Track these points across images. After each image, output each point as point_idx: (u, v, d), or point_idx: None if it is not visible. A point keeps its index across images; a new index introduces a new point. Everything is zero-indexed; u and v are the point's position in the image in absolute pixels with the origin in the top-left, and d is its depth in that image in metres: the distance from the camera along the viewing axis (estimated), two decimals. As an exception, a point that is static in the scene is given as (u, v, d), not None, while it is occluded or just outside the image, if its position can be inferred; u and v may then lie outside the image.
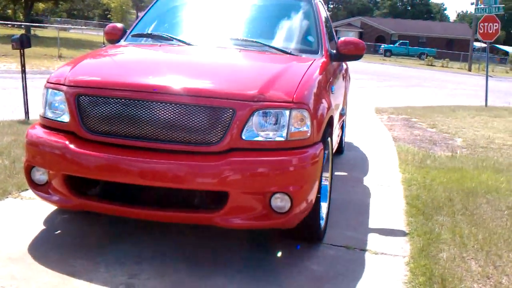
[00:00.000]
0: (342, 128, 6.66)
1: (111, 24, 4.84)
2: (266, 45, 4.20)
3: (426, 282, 3.33)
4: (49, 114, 3.45)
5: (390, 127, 10.21)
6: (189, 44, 4.23)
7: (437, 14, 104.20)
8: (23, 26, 34.22)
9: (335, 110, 4.28)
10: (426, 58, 52.54)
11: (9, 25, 36.79)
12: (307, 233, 3.73)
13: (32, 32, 34.28)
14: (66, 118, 3.35)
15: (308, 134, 3.28)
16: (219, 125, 3.12)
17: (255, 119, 3.15)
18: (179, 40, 4.27)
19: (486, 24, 16.12)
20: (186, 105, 3.13)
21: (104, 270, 3.21)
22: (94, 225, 3.96)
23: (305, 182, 3.24)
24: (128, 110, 3.18)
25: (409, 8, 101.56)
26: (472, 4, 47.52)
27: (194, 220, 3.28)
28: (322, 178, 3.67)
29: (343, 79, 5.84)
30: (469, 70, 46.02)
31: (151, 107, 3.15)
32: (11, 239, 3.59)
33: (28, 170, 3.45)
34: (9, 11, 44.79)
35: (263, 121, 3.17)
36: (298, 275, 3.36)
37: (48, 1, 42.90)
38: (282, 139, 3.20)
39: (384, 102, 14.64)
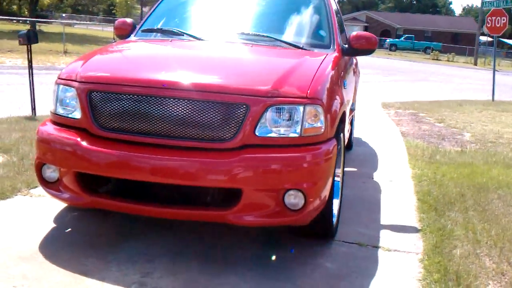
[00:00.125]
0: (351, 123, 6.62)
1: (121, 19, 4.79)
2: (277, 39, 4.16)
3: (441, 279, 3.29)
4: (60, 111, 3.42)
5: (398, 122, 10.16)
6: (200, 39, 4.18)
7: (443, 8, 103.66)
8: (28, 22, 34.23)
9: (347, 106, 4.24)
10: (431, 52, 52.37)
11: (14, 21, 36.81)
12: (319, 230, 3.69)
13: (37, 27, 34.28)
14: (77, 114, 3.31)
15: (322, 130, 3.24)
16: (232, 121, 3.08)
17: (269, 115, 3.10)
18: (190, 35, 4.23)
19: (493, 18, 16.01)
20: (199, 101, 3.09)
21: (116, 269, 3.18)
22: (104, 223, 3.93)
23: (319, 178, 3.20)
24: (140, 107, 3.14)
25: (415, 2, 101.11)
26: (478, -3, 47.26)
27: (207, 217, 3.25)
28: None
29: (353, 74, 5.79)
30: (475, 64, 45.81)
31: (164, 103, 3.11)
32: (22, 237, 3.56)
33: (39, 168, 3.42)
34: (14, 6, 44.81)
35: (277, 117, 3.13)
36: (312, 272, 3.33)
37: (53, -4, 42.93)
38: (296, 135, 3.16)
39: (391, 97, 14.57)
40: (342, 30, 5.18)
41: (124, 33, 4.62)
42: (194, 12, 4.90)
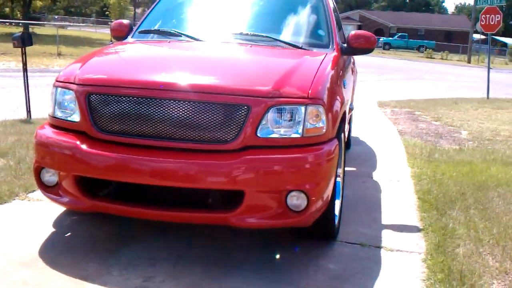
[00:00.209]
0: (350, 122, 6.60)
1: (117, 21, 4.75)
2: (276, 39, 4.12)
3: (445, 279, 3.27)
4: (59, 114, 3.37)
5: (395, 120, 10.15)
6: (198, 40, 4.15)
7: (436, 6, 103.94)
8: (21, 24, 34.08)
9: (346, 105, 4.21)
10: (425, 50, 52.37)
11: (7, 24, 36.64)
12: (321, 231, 3.67)
13: (30, 30, 34.14)
14: (76, 117, 3.27)
15: (324, 130, 3.21)
16: (234, 123, 3.04)
17: (270, 115, 3.07)
18: (188, 36, 4.19)
19: (488, 15, 16.05)
20: (199, 102, 3.05)
21: (117, 274, 3.14)
22: (104, 227, 3.88)
23: (321, 179, 3.17)
24: (140, 108, 3.10)
25: (407, 0, 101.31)
26: (471, -5, 47.40)
27: (209, 220, 3.21)
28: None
29: (352, 73, 5.77)
30: (469, 62, 45.90)
31: (163, 105, 3.07)
32: (21, 242, 3.51)
33: (38, 172, 3.37)
34: (7, 9, 44.60)
35: (278, 117, 3.10)
36: (315, 274, 3.30)
37: (46, -2, 42.77)
38: (298, 135, 3.13)
39: (386, 96, 14.58)
40: (340, 29, 5.15)
41: (121, 35, 4.57)
42: (191, 12, 4.86)
